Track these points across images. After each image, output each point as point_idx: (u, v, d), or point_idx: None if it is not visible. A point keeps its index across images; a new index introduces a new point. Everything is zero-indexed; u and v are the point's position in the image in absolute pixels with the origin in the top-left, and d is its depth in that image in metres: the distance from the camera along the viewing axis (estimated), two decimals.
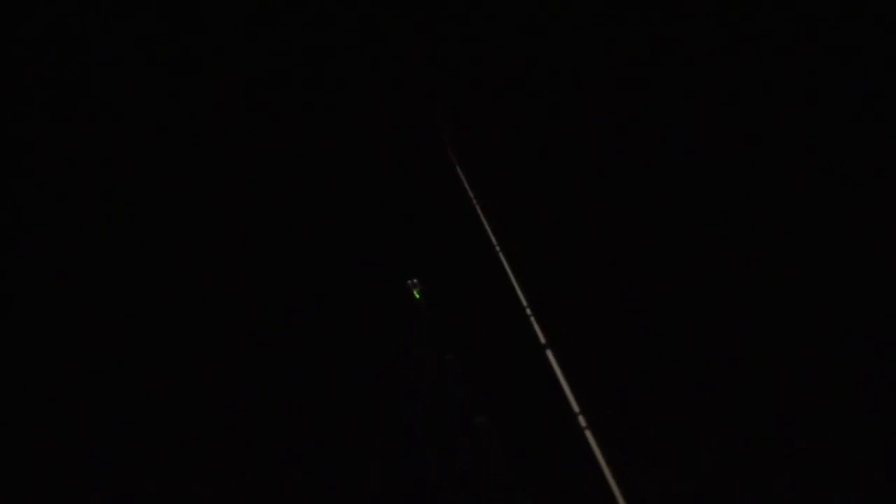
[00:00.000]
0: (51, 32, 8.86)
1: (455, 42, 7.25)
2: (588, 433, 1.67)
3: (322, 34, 6.65)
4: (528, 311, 1.67)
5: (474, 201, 1.74)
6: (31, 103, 8.44)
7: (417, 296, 1.97)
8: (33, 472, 3.41)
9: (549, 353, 1.74)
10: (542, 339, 1.74)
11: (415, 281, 1.99)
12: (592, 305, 2.36)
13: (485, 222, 1.74)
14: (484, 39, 7.10)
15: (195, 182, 5.84)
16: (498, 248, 1.69)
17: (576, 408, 1.72)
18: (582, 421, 1.68)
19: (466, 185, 1.81)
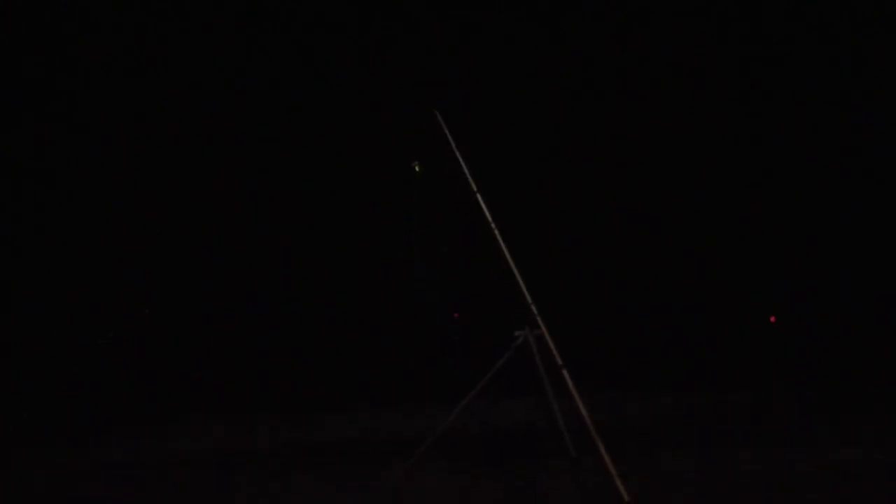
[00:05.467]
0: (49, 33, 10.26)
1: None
2: (500, 239, 3.66)
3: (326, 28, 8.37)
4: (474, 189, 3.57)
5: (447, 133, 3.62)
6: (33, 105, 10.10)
7: (417, 170, 3.90)
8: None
9: (479, 197, 3.72)
10: (474, 187, 3.71)
11: (416, 162, 3.91)
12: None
13: (447, 133, 3.67)
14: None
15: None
16: (457, 153, 3.63)
17: (489, 220, 3.72)
18: (497, 232, 3.65)
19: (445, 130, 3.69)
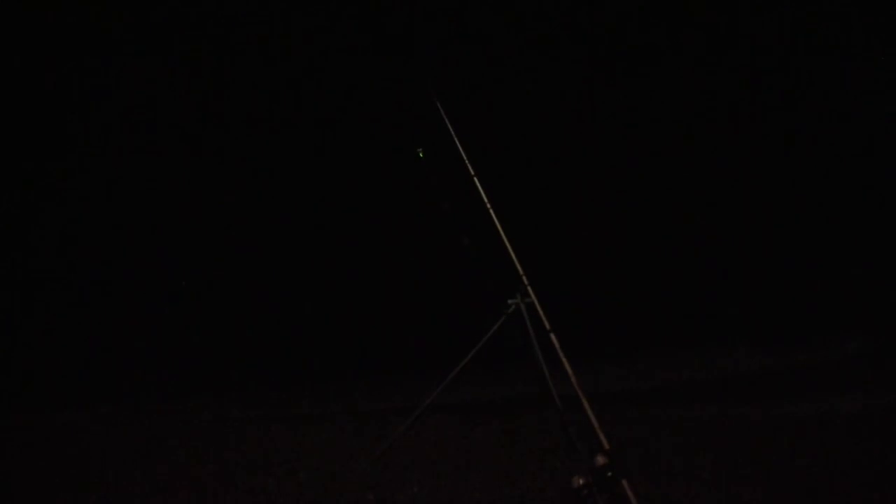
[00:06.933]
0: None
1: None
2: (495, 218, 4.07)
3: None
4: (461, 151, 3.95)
5: (443, 115, 3.98)
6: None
7: (421, 155, 4.30)
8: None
9: (476, 181, 4.13)
10: (472, 172, 4.10)
11: (420, 149, 4.31)
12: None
13: (448, 123, 4.03)
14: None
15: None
16: (454, 135, 3.99)
17: (485, 200, 4.11)
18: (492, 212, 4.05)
19: (440, 108, 4.05)
